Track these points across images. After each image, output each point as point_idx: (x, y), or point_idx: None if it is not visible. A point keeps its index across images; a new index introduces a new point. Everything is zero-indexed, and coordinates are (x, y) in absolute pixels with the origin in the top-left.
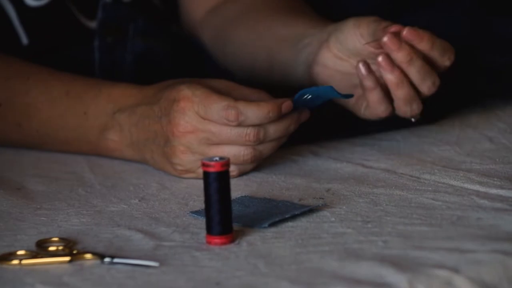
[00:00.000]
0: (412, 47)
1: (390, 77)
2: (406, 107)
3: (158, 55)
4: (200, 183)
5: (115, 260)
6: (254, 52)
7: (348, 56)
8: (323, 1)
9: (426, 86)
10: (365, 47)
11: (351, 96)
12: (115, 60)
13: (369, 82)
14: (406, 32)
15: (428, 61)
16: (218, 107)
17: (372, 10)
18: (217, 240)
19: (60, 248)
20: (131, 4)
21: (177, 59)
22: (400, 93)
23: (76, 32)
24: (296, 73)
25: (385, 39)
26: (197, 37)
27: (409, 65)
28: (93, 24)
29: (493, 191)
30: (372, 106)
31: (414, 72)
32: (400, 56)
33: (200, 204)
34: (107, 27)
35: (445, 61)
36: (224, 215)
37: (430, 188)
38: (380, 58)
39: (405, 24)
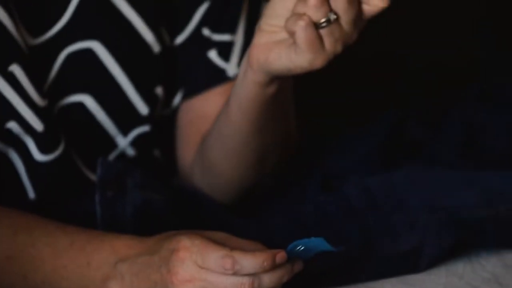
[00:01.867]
0: None
1: None
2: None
3: (157, 207)
4: None
5: None
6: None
7: (283, 21)
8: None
9: None
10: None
11: (341, 249)
12: (116, 213)
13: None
14: None
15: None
16: (215, 256)
17: (364, 159)
18: None
19: None
20: (134, 159)
21: (176, 211)
22: None
23: (80, 185)
24: (238, 83)
25: None
26: (191, 182)
27: None
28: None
29: None
30: (302, 47)
31: None
32: None
33: None
34: (107, 182)
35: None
36: None
37: None
38: None
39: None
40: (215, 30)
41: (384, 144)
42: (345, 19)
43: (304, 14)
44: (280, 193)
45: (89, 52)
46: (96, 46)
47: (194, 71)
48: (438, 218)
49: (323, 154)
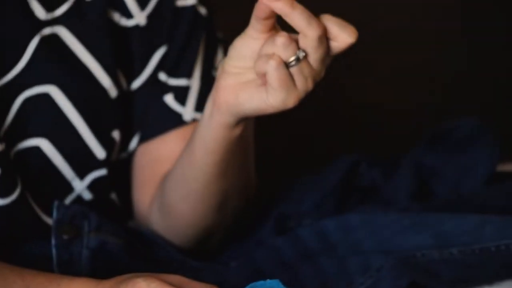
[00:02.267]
0: None
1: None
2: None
3: (113, 250)
4: None
5: None
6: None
7: (249, 62)
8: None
9: (313, 28)
10: (260, 44)
11: None
12: (72, 256)
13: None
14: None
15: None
16: None
17: (319, 203)
18: None
19: None
20: (90, 202)
21: (133, 253)
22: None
23: (37, 228)
24: (203, 126)
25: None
26: (148, 224)
27: (293, 9)
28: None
29: None
30: (275, 86)
31: (298, 14)
32: (281, 2)
33: None
34: (63, 225)
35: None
36: None
37: None
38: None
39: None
40: (171, 74)
41: (338, 188)
42: (314, 56)
43: (273, 54)
44: (236, 235)
45: (46, 96)
46: (53, 91)
47: (150, 115)
48: (392, 260)
49: (278, 198)
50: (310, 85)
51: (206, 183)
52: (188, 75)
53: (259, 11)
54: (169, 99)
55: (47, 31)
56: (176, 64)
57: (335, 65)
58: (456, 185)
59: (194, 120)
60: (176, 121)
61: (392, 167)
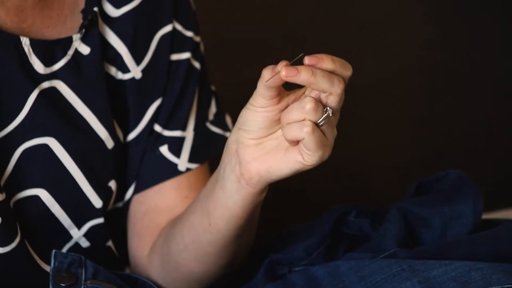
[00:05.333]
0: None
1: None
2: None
3: None
4: None
5: None
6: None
7: (266, 132)
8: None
9: (336, 85)
10: (274, 112)
11: None
12: None
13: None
14: (307, 59)
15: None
16: None
17: (309, 250)
18: None
19: None
20: (87, 249)
21: None
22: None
23: (35, 276)
24: (227, 199)
25: (283, 72)
26: (146, 272)
27: (315, 77)
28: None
29: None
30: (312, 149)
31: (321, 78)
32: (303, 75)
33: None
34: (60, 273)
35: (347, 72)
36: None
37: None
38: (282, 72)
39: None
40: (165, 127)
41: (328, 236)
42: (338, 107)
43: (304, 120)
44: (227, 283)
45: (45, 147)
46: (52, 143)
47: (146, 166)
48: None
49: (269, 245)
50: (335, 132)
51: (224, 245)
52: (183, 127)
53: (273, 82)
54: (164, 149)
55: (45, 84)
56: (171, 117)
57: None
58: (442, 234)
59: (188, 170)
60: (171, 171)
61: (379, 218)
